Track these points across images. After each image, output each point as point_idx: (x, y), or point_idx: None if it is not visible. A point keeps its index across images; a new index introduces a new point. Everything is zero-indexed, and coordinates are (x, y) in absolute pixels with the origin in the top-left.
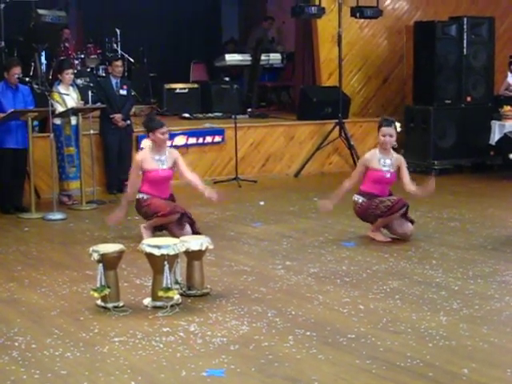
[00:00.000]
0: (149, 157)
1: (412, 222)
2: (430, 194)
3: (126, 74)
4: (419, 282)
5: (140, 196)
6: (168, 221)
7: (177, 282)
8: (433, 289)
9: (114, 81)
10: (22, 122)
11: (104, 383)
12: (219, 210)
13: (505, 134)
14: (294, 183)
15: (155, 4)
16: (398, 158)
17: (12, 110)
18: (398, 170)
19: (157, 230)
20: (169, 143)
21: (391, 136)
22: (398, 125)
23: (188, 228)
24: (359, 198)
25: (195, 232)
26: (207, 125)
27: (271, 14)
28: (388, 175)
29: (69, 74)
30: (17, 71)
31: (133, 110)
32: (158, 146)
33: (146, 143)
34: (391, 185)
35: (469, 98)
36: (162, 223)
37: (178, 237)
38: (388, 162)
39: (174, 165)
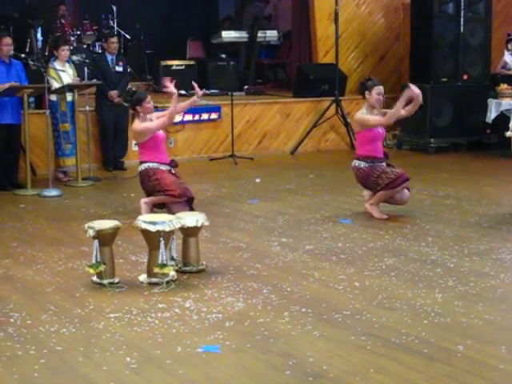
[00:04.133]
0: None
1: (408, 190)
2: (420, 100)
3: (122, 50)
4: (415, 259)
5: (146, 166)
6: (175, 201)
7: (172, 259)
8: (428, 266)
9: (109, 57)
10: (17, 98)
11: (99, 359)
12: (215, 187)
13: (501, 112)
14: (290, 160)
15: None
16: (382, 112)
17: (8, 84)
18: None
19: (156, 207)
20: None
21: (384, 95)
22: None
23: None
24: (360, 163)
25: (191, 209)
26: (203, 102)
27: None
28: (380, 130)
29: (65, 51)
30: (7, 42)
31: (129, 86)
32: (145, 115)
33: None
34: (383, 140)
35: (465, 76)
36: (167, 202)
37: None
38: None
39: None
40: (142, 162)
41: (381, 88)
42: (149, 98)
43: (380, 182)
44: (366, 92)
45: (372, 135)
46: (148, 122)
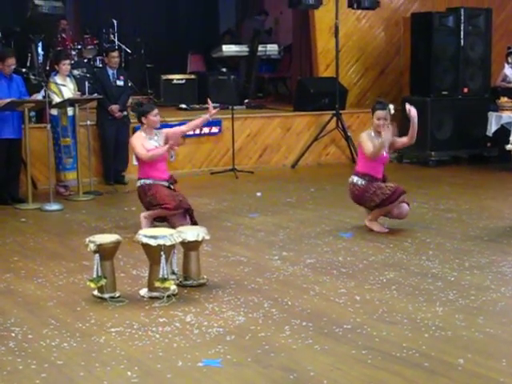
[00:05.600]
0: (144, 138)
1: (407, 204)
2: (416, 119)
3: (122, 64)
4: (415, 272)
5: (142, 182)
6: (172, 214)
7: (173, 273)
8: (429, 279)
9: (110, 72)
10: (18, 112)
11: (100, 373)
12: (216, 201)
13: (502, 125)
14: (290, 174)
15: None
16: (388, 138)
17: (9, 99)
18: (392, 145)
19: (156, 221)
20: None
21: (386, 119)
22: (391, 107)
23: (188, 220)
24: (358, 180)
25: (193, 222)
26: (204, 116)
27: (269, 4)
28: (384, 153)
29: (66, 65)
30: (12, 62)
31: (130, 100)
32: (150, 129)
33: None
34: (385, 165)
35: (466, 90)
36: (165, 215)
37: (176, 227)
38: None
39: (168, 140)
40: (139, 178)
41: (381, 113)
42: (156, 111)
43: (375, 199)
44: (372, 116)
45: None
46: (146, 143)
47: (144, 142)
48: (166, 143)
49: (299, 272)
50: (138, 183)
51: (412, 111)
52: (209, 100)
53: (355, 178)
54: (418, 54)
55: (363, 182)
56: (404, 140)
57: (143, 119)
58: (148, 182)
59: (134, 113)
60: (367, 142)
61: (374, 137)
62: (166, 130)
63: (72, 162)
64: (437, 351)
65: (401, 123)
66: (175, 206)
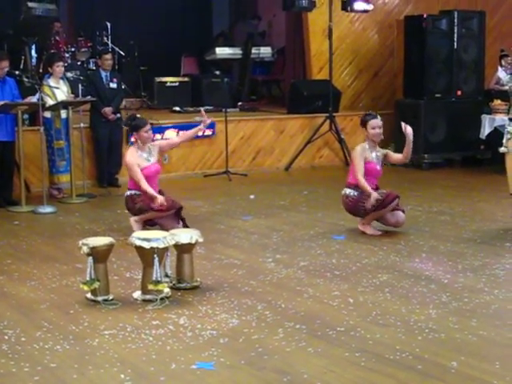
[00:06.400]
0: (138, 155)
1: (403, 211)
2: (412, 138)
3: (116, 67)
4: (409, 275)
5: (132, 192)
6: (164, 215)
7: (166, 275)
8: (422, 282)
9: (103, 74)
10: (11, 115)
11: (93, 376)
12: (209, 204)
13: (495, 127)
14: (284, 177)
15: None
16: (383, 151)
17: (2, 102)
18: (387, 160)
19: (147, 224)
20: (159, 137)
21: (380, 128)
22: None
23: (181, 224)
24: (350, 192)
25: (185, 225)
26: (197, 118)
27: (262, 7)
28: (378, 167)
29: (59, 67)
30: (5, 64)
31: (123, 103)
32: (143, 144)
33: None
34: (379, 178)
35: (459, 92)
36: (157, 217)
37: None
38: (378, 154)
39: (161, 153)
40: (129, 189)
41: (375, 122)
42: (148, 127)
43: (369, 207)
44: (364, 128)
45: (369, 169)
46: (140, 161)
47: (139, 161)
48: (160, 155)
49: (293, 274)
50: (128, 192)
51: (408, 129)
52: (202, 110)
53: (348, 190)
54: (411, 57)
55: (355, 194)
56: (399, 157)
57: (135, 134)
58: (137, 193)
59: (126, 127)
60: (359, 163)
61: (369, 149)
62: (159, 143)
63: (65, 164)
64: (430, 354)
65: (393, 126)
66: (168, 206)
